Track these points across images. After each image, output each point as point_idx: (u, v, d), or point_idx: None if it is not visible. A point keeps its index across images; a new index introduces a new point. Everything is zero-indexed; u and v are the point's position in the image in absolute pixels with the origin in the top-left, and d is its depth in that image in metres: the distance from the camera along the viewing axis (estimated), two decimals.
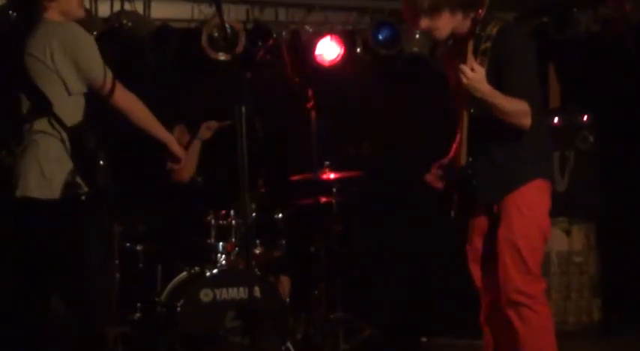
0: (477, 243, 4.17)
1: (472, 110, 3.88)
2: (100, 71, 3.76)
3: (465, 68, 3.68)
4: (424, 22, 3.98)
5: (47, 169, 3.68)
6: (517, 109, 3.76)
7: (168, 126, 6.07)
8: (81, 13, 3.96)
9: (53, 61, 3.68)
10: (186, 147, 5.77)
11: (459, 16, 3.97)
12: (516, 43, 3.92)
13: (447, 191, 4.08)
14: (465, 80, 3.68)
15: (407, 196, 6.49)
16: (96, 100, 3.84)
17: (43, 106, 3.70)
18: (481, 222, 4.13)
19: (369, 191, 6.80)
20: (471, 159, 3.92)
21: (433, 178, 4.19)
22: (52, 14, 3.80)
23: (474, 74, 3.68)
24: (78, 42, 3.75)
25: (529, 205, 3.94)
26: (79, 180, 3.71)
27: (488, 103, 3.74)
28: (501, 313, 4.00)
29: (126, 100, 3.87)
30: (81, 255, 3.77)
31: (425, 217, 5.51)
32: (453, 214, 4.01)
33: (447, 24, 3.99)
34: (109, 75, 3.79)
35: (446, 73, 4.23)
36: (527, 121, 3.78)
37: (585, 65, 7.02)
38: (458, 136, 4.02)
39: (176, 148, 4.10)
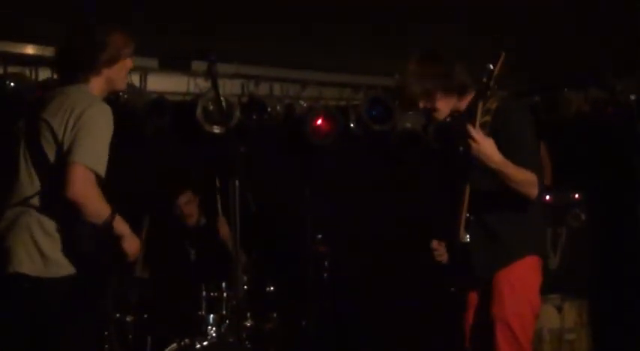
0: (468, 315, 4.18)
1: (470, 184, 3.92)
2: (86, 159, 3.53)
3: (474, 131, 3.69)
4: (422, 104, 4.06)
5: (42, 244, 3.59)
6: (526, 178, 3.80)
7: (174, 194, 6.17)
8: (123, 86, 3.94)
9: (64, 133, 3.55)
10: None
11: (454, 98, 4.05)
12: (518, 119, 3.98)
13: (448, 265, 4.12)
14: (474, 145, 3.68)
15: (402, 272, 6.50)
16: None
17: (41, 176, 3.64)
18: (472, 294, 4.14)
19: (363, 266, 6.81)
20: (468, 235, 3.95)
21: (436, 253, 4.20)
22: (93, 86, 3.74)
23: (485, 139, 3.71)
24: (92, 126, 3.57)
25: (521, 282, 3.96)
26: (72, 256, 3.61)
27: (499, 171, 3.75)
28: None
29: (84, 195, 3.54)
30: (69, 334, 3.68)
31: (419, 294, 5.51)
32: (453, 289, 4.05)
33: (444, 105, 4.06)
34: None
35: (443, 148, 4.28)
36: (534, 191, 3.82)
37: (576, 144, 7.09)
38: (456, 209, 4.04)
39: (127, 245, 3.75)
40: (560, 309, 6.60)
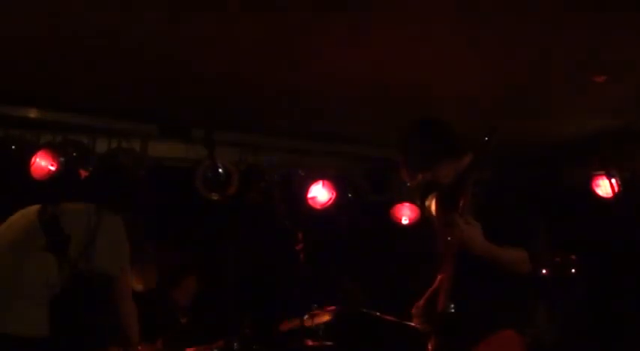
0: None
1: (456, 259, 3.91)
2: None
3: (460, 219, 3.69)
4: (426, 176, 4.01)
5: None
6: (514, 258, 3.77)
7: (179, 278, 6.16)
8: None
9: None
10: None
11: (455, 161, 4.05)
12: (510, 193, 3.96)
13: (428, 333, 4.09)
14: (458, 233, 3.69)
15: (395, 339, 6.45)
16: None
17: None
18: None
19: (358, 335, 6.79)
20: (452, 305, 3.93)
21: (416, 318, 4.19)
22: None
23: (471, 228, 3.71)
24: None
25: None
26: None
27: (484, 256, 3.75)
28: None
29: None
30: None
31: None
32: None
33: (447, 170, 4.02)
34: None
35: (433, 220, 4.27)
36: (525, 268, 3.78)
37: (575, 216, 7.11)
38: (439, 278, 4.04)
39: None
40: None
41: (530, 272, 3.82)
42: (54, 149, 6.14)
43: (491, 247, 3.73)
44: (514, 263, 3.79)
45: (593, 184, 7.10)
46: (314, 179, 7.19)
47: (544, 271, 6.91)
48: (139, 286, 5.98)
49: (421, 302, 4.22)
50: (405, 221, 7.68)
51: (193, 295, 6.17)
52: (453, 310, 3.87)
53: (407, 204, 7.63)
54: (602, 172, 6.96)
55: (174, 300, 6.11)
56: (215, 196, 6.63)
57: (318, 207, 7.26)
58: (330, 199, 7.23)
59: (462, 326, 3.91)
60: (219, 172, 6.31)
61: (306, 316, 5.75)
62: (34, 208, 4.18)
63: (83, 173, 6.06)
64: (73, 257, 3.94)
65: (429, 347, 3.98)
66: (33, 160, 6.12)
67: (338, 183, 7.29)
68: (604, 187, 7.05)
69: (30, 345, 3.79)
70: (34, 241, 4.00)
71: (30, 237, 4.02)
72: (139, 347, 5.62)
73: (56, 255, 3.90)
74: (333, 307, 5.96)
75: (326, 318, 5.96)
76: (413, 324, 4.46)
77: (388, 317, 5.96)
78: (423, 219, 6.48)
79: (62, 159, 6.10)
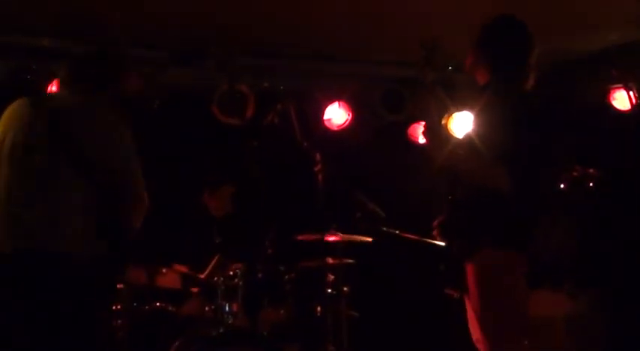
0: (466, 301, 4.18)
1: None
2: None
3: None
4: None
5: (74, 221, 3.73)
6: (484, 172, 3.82)
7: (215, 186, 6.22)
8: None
9: None
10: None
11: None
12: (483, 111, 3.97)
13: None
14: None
15: (415, 257, 6.52)
16: None
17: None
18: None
19: (378, 253, 6.85)
20: (443, 215, 4.02)
21: (436, 234, 4.25)
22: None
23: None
24: None
25: (486, 273, 3.86)
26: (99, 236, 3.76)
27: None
28: None
29: None
30: (90, 313, 3.78)
31: (433, 279, 5.53)
32: (442, 266, 4.04)
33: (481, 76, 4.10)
34: None
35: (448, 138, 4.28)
36: (503, 184, 3.76)
37: (592, 130, 7.09)
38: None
39: None
40: (574, 296, 6.62)
41: (514, 189, 3.77)
42: None
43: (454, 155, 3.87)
44: (485, 175, 3.82)
45: (610, 98, 7.06)
46: (330, 100, 7.20)
47: (562, 186, 6.92)
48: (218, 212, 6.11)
49: (441, 218, 4.29)
50: (422, 140, 7.69)
51: (228, 207, 6.23)
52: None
53: (423, 123, 7.62)
54: (620, 85, 6.91)
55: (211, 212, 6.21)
56: (232, 121, 6.66)
57: (335, 128, 7.29)
58: (347, 120, 7.26)
59: (454, 237, 3.97)
60: (236, 97, 6.32)
61: (325, 235, 5.81)
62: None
63: None
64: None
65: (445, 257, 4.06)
66: (48, 89, 6.15)
67: (354, 104, 7.29)
68: (621, 100, 7.01)
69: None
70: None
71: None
72: (164, 269, 5.74)
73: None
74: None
75: (345, 237, 6.02)
76: (432, 241, 4.54)
77: (408, 235, 6.02)
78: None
79: None
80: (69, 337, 3.70)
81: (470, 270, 3.90)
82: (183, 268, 5.90)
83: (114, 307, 5.52)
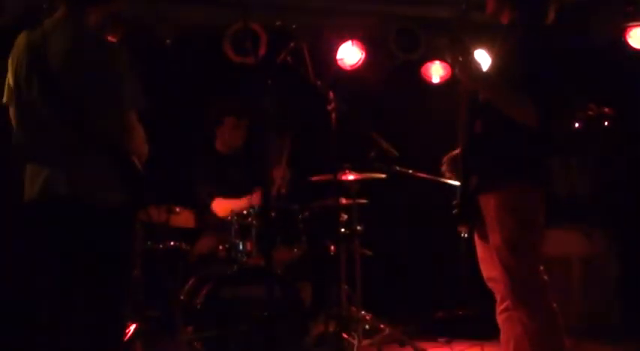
0: (478, 242, 4.19)
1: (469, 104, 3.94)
2: None
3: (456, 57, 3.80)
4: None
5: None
6: (514, 101, 3.77)
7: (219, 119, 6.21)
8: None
9: None
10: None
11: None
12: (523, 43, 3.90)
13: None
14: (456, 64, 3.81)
15: (428, 197, 6.52)
16: None
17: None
18: (480, 218, 4.05)
19: (390, 192, 6.85)
20: (461, 150, 4.00)
21: (444, 170, 4.25)
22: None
23: (460, 63, 3.79)
24: None
25: (510, 208, 3.85)
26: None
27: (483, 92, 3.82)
28: (512, 312, 4.01)
29: None
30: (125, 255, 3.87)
31: (446, 218, 5.54)
32: (455, 211, 4.03)
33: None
34: None
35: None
36: (530, 116, 3.74)
37: (607, 69, 7.02)
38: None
39: None
40: (589, 236, 6.61)
41: (541, 124, 3.76)
42: None
43: (485, 83, 3.81)
44: (513, 106, 3.77)
45: (626, 35, 6.97)
46: (343, 39, 7.14)
47: (577, 125, 6.88)
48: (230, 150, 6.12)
49: (450, 154, 4.27)
50: (435, 80, 7.65)
51: (240, 144, 6.21)
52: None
53: (438, 62, 7.57)
54: (636, 22, 6.82)
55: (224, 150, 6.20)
56: (245, 60, 6.61)
57: (348, 68, 7.23)
58: (360, 59, 7.20)
59: (470, 172, 3.96)
60: (249, 36, 6.27)
61: (338, 174, 5.80)
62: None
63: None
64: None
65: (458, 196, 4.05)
66: None
67: (368, 43, 7.23)
68: (637, 38, 6.93)
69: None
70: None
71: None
72: (177, 208, 5.75)
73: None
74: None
75: (358, 176, 6.02)
76: (445, 179, 4.52)
77: (421, 174, 6.00)
78: (454, 77, 6.48)
79: None
80: (101, 280, 3.77)
81: (491, 203, 3.89)
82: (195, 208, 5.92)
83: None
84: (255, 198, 5.83)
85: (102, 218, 3.71)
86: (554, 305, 3.94)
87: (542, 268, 3.93)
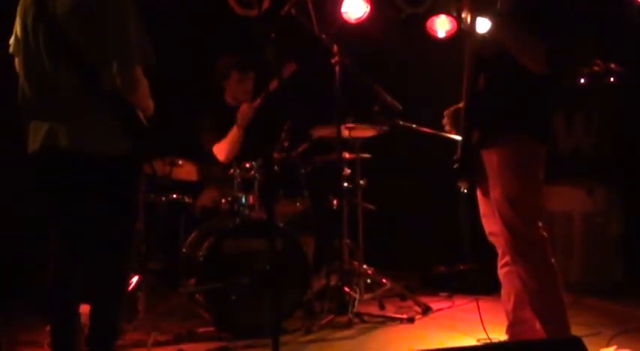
0: (480, 197, 4.21)
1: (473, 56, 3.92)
2: None
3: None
4: None
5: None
6: (526, 43, 3.76)
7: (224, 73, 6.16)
8: None
9: None
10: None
11: None
12: None
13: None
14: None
15: (430, 151, 6.50)
16: None
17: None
18: (482, 173, 4.07)
19: (393, 147, 6.85)
20: (464, 105, 3.99)
21: (445, 123, 4.25)
22: None
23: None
24: None
25: (510, 163, 3.89)
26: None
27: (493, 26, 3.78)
28: (512, 267, 4.03)
29: None
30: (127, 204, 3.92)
31: (448, 173, 5.54)
32: (455, 166, 4.03)
33: None
34: None
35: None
36: (539, 61, 3.73)
37: (613, 24, 6.96)
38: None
39: None
40: (590, 192, 6.61)
41: (547, 71, 3.76)
42: None
43: (499, 23, 3.75)
44: (524, 49, 3.76)
45: None
46: None
47: (582, 80, 6.84)
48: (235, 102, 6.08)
49: (452, 108, 4.26)
50: (441, 34, 7.59)
51: (241, 92, 6.17)
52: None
53: (443, 16, 7.51)
54: None
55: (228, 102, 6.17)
56: (249, 12, 6.57)
57: (353, 21, 7.18)
58: (365, 12, 7.14)
59: (473, 126, 3.95)
60: None
61: (342, 128, 5.78)
62: None
63: None
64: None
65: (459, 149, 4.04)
66: None
67: None
68: None
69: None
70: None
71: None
72: (180, 161, 5.74)
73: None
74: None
75: (363, 131, 6.00)
76: (448, 134, 4.51)
77: (424, 129, 5.98)
78: (460, 31, 6.44)
79: None
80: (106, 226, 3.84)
81: (493, 158, 3.92)
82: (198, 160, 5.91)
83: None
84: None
85: (103, 168, 3.75)
86: (553, 261, 3.95)
87: (541, 224, 3.94)
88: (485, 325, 4.49)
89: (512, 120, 3.89)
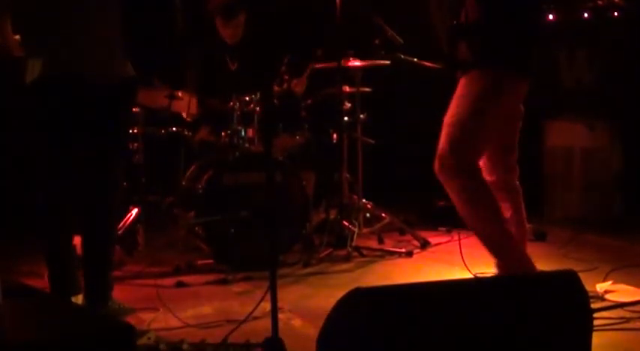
0: None
1: None
2: None
3: None
4: None
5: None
6: None
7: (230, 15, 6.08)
8: None
9: None
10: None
11: None
12: None
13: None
14: None
15: (431, 86, 6.45)
16: None
17: None
18: None
19: (395, 80, 6.79)
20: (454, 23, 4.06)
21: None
22: None
23: None
24: None
25: (469, 88, 3.99)
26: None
27: None
28: None
29: None
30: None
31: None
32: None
33: None
34: None
35: None
36: None
37: None
38: None
39: None
40: (592, 128, 6.59)
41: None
42: None
43: None
44: None
45: None
46: None
47: (585, 15, 6.76)
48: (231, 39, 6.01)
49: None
50: None
51: (241, 33, 6.10)
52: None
53: None
54: None
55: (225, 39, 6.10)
56: None
57: None
58: None
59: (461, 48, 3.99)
60: None
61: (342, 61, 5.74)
62: None
63: None
64: None
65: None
66: None
67: None
68: None
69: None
70: None
71: None
72: (179, 93, 5.71)
73: None
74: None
75: (362, 63, 5.95)
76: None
77: (425, 63, 5.94)
78: None
79: None
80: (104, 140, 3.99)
81: (461, 82, 4.02)
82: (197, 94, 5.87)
83: (130, 131, 5.56)
84: None
85: (100, 94, 3.86)
86: (489, 196, 4.03)
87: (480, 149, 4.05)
88: (481, 261, 4.52)
89: (485, 52, 3.96)
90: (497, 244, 4.07)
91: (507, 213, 4.22)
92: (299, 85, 6.01)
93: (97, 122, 3.91)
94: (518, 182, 4.32)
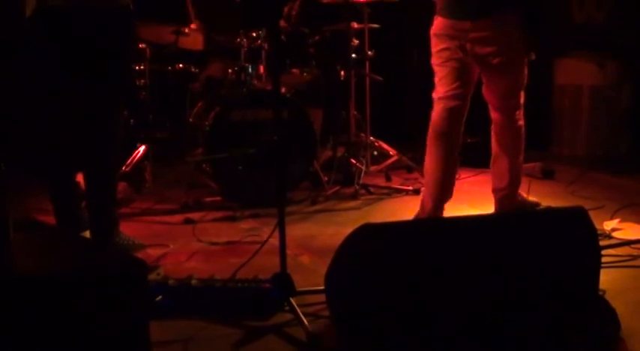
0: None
1: None
2: None
3: None
4: None
5: None
6: None
7: None
8: None
9: None
10: None
11: None
12: None
13: None
14: None
15: None
16: None
17: None
18: None
19: (403, 17, 6.74)
20: None
21: None
22: None
23: None
24: None
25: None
26: None
27: None
28: None
29: None
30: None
31: None
32: None
33: None
34: None
35: None
36: None
37: None
38: None
39: None
40: (602, 66, 6.54)
41: None
42: None
43: None
44: None
45: None
46: None
47: None
48: None
49: None
50: None
51: None
52: None
53: None
54: None
55: None
56: None
57: None
58: None
59: None
60: None
61: None
62: None
63: None
64: None
65: None
66: None
67: None
68: None
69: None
70: None
71: None
72: (186, 29, 5.66)
73: None
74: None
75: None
76: None
77: None
78: None
79: None
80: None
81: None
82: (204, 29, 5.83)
83: (137, 67, 5.53)
84: None
85: (101, 21, 3.81)
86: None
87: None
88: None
89: None
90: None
91: None
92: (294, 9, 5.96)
93: (99, 51, 3.85)
94: None
